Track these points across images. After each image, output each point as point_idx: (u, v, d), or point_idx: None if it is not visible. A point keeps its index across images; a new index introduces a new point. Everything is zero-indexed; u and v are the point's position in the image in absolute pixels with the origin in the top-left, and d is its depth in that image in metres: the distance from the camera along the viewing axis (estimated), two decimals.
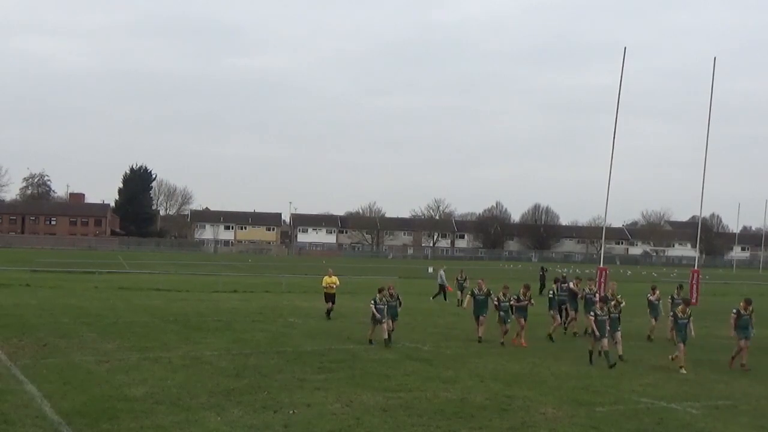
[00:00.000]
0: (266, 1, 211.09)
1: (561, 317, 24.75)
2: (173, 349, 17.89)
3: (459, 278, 34.05)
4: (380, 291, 20.28)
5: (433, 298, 35.63)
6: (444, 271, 37.75)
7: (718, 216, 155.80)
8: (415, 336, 21.57)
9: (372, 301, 20.11)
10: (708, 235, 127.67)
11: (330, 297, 26.75)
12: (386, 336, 19.51)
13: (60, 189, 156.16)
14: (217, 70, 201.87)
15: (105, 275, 45.18)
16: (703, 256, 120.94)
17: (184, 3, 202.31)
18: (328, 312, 26.32)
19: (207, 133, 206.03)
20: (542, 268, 49.02)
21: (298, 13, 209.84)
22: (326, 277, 27.19)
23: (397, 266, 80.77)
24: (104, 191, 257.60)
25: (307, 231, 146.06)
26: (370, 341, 19.77)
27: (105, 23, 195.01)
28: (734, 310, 18.09)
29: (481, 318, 21.02)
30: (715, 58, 41.61)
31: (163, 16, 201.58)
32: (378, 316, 19.74)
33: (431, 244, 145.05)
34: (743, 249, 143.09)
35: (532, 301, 21.60)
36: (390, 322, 19.90)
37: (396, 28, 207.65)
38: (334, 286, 26.96)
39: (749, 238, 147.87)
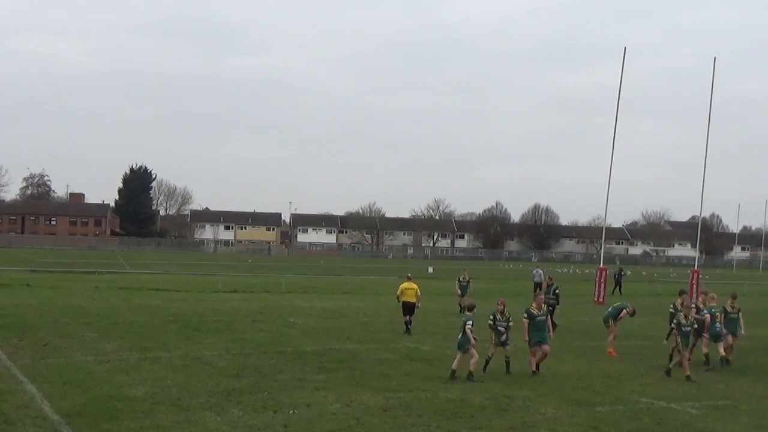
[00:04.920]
0: (267, 2, 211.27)
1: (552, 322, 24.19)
2: (173, 349, 17.89)
3: (461, 279, 30.67)
4: (471, 309, 16.02)
5: None
6: (543, 271, 37.74)
7: (718, 216, 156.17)
8: (415, 336, 21.55)
9: (491, 318, 16.07)
10: (708, 235, 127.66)
11: (409, 308, 22.17)
12: (473, 369, 15.15)
13: (60, 189, 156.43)
14: (218, 70, 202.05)
15: (105, 275, 45.16)
16: (703, 256, 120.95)
17: (185, 3, 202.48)
18: (407, 325, 22.16)
19: (207, 133, 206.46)
20: (620, 270, 47.77)
21: (299, 13, 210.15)
22: (404, 283, 22.73)
23: (397, 266, 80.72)
24: (104, 191, 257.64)
25: (307, 231, 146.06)
26: (453, 372, 15.22)
27: (105, 23, 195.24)
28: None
29: (545, 346, 15.98)
30: (715, 59, 41.70)
31: (165, 16, 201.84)
32: (474, 341, 15.23)
33: (431, 244, 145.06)
34: (743, 249, 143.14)
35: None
36: (505, 349, 16.01)
37: (397, 29, 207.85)
38: (416, 295, 22.29)
39: (749, 238, 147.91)
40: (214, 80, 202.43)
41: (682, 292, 19.17)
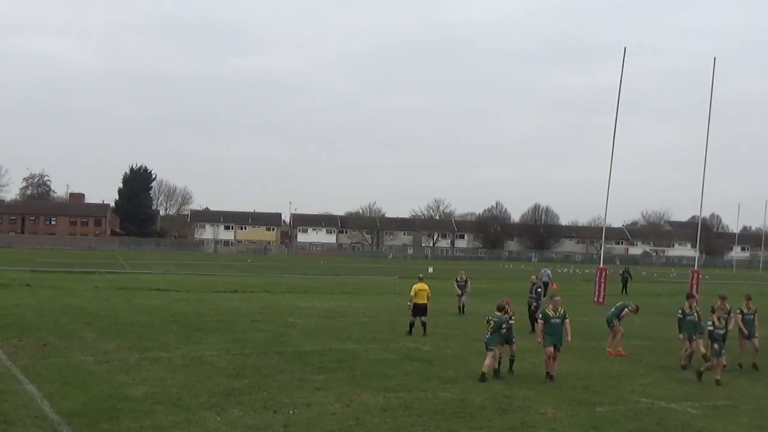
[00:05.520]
0: (267, 2, 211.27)
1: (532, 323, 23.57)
2: (173, 349, 17.90)
3: (458, 280, 29.95)
4: (500, 309, 15.83)
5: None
6: (551, 271, 38.67)
7: (718, 216, 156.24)
8: (415, 336, 21.54)
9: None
10: (708, 235, 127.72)
11: (420, 309, 21.97)
12: (496, 365, 15.45)
13: (60, 189, 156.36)
14: (218, 70, 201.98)
15: (105, 275, 45.14)
16: (703, 256, 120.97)
17: (185, 3, 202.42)
18: (411, 326, 21.95)
19: (207, 133, 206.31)
20: (626, 269, 48.40)
21: (299, 13, 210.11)
22: (416, 284, 22.45)
23: (397, 266, 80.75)
24: (104, 191, 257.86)
25: (307, 231, 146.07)
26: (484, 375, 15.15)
27: (105, 23, 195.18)
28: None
29: (555, 352, 15.35)
30: (715, 58, 41.78)
31: (165, 16, 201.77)
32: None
33: (431, 244, 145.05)
34: (743, 249, 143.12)
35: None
36: (511, 347, 16.01)
37: (397, 29, 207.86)
38: (427, 296, 22.18)
39: (749, 238, 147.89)
40: (214, 80, 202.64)
41: (689, 296, 18.83)
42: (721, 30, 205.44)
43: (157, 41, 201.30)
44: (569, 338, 15.77)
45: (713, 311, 17.61)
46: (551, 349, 15.29)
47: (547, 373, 15.37)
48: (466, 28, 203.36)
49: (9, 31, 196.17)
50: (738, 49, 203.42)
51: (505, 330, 15.66)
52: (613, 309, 19.96)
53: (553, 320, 15.48)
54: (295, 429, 10.95)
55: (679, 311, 17.98)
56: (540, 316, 15.73)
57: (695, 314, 17.80)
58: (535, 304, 24.13)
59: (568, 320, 15.78)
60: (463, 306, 29.28)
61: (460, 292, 29.61)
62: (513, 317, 16.12)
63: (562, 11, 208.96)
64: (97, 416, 11.22)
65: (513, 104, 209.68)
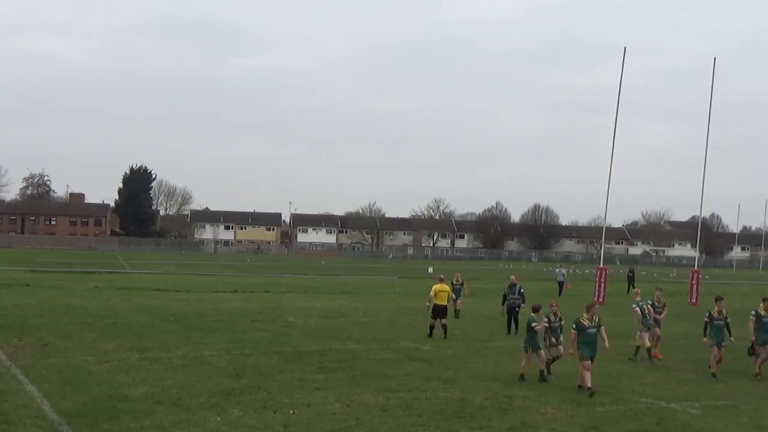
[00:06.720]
0: (268, 2, 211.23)
1: (510, 323, 23.01)
2: (173, 349, 17.90)
3: (454, 282, 27.70)
4: (536, 310, 15.74)
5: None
6: (565, 270, 39.46)
7: (718, 216, 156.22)
8: (415, 336, 21.56)
9: (546, 319, 15.70)
10: (708, 235, 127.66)
11: (440, 311, 21.33)
12: (544, 368, 15.44)
13: (60, 189, 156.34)
14: (219, 70, 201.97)
15: (105, 275, 45.15)
16: (703, 256, 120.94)
17: (185, 3, 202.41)
18: (431, 329, 21.44)
19: (207, 133, 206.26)
20: (630, 269, 48.74)
21: (299, 13, 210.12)
22: (436, 285, 21.87)
23: (397, 266, 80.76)
24: (104, 191, 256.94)
25: (307, 231, 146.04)
26: (522, 376, 15.33)
27: (105, 23, 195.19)
28: (753, 312, 16.71)
29: (591, 362, 14.55)
30: (715, 58, 41.71)
31: (165, 16, 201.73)
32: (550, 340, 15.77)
33: (431, 244, 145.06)
34: (743, 249, 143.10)
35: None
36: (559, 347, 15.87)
37: (397, 29, 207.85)
38: (448, 297, 21.84)
39: (749, 238, 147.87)
40: (214, 80, 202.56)
41: (718, 299, 17.85)
42: (721, 30, 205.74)
43: (157, 41, 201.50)
44: (606, 344, 14.94)
45: (757, 317, 17.16)
46: (589, 362, 14.42)
47: (580, 386, 14.45)
48: (466, 28, 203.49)
49: (9, 31, 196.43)
50: (738, 49, 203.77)
51: (551, 327, 15.73)
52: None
53: (589, 330, 14.59)
54: (295, 429, 10.95)
55: (706, 315, 17.26)
56: (574, 326, 14.74)
57: (723, 319, 17.05)
58: (521, 304, 23.76)
59: (602, 327, 15.00)
60: (458, 310, 27.59)
61: (454, 296, 27.30)
62: (561, 320, 16.15)
63: (562, 11, 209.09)
64: (97, 416, 11.22)
65: (513, 104, 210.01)
